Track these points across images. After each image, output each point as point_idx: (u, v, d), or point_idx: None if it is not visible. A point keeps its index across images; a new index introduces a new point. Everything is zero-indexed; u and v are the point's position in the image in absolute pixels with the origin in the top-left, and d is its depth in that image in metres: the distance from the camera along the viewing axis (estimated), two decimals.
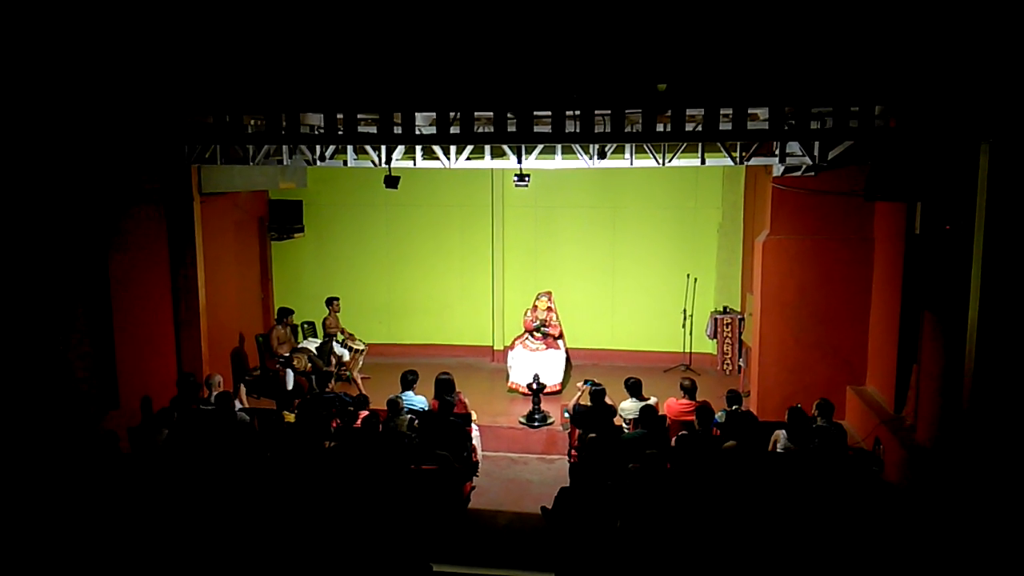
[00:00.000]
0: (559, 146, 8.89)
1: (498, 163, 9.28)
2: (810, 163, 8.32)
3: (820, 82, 6.71)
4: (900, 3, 6.38)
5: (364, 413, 8.02)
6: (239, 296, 11.35)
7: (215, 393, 8.22)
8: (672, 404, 8.31)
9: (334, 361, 10.81)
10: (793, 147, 8.38)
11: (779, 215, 9.30)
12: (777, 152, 8.37)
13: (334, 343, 10.98)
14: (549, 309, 11.34)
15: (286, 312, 10.81)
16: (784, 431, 7.23)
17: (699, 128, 8.05)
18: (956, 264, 6.78)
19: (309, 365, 10.34)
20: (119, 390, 8.63)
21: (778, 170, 9.05)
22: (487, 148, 8.94)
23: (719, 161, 8.82)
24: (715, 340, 11.83)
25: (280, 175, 11.28)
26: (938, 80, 6.44)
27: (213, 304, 9.96)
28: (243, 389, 9.45)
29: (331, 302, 11.28)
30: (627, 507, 6.00)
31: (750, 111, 7.76)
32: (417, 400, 8.47)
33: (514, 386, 11.01)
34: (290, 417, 8.00)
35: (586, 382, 8.62)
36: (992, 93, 6.19)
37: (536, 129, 7.42)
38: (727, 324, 11.59)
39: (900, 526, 6.32)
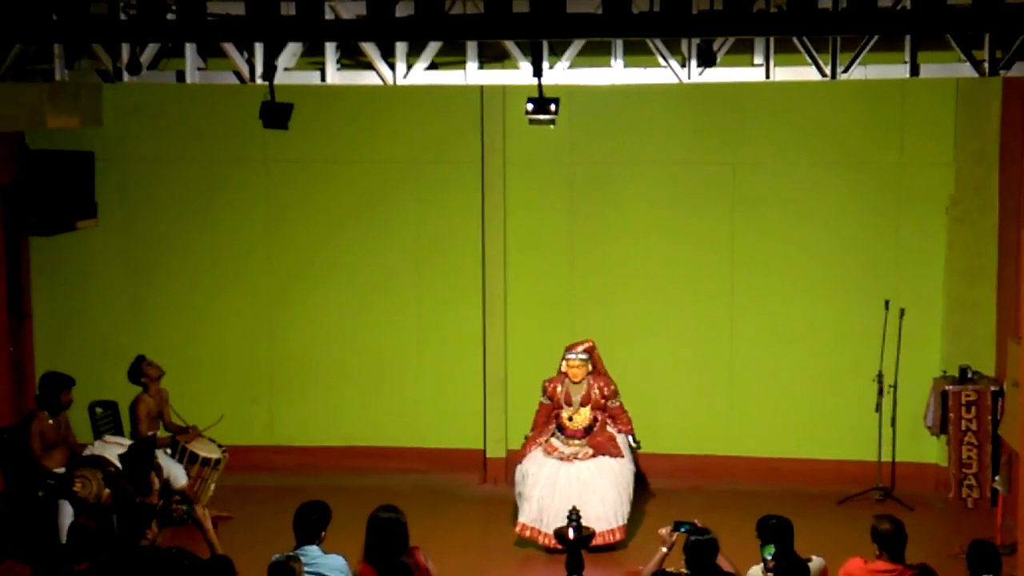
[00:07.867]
0: (619, 43, 8.96)
1: (495, 76, 9.37)
2: None
3: None
4: None
5: None
6: None
7: None
8: (856, 570, 8.33)
9: (158, 484, 10.80)
10: None
11: None
12: None
13: (159, 448, 11.01)
14: (597, 377, 11.33)
15: (58, 384, 10.86)
16: None
17: (905, 4, 8.09)
18: None
19: (107, 491, 10.32)
20: None
21: None
22: (471, 48, 9.01)
23: (946, 69, 8.90)
24: (944, 436, 11.88)
25: (48, 103, 11.32)
26: None
27: None
28: None
29: (148, 366, 11.39)
30: None
31: None
32: (329, 564, 8.47)
33: (529, 532, 11.03)
34: None
35: (678, 526, 8.63)
36: None
37: (570, 8, 7.44)
38: (969, 404, 11.63)
39: None
